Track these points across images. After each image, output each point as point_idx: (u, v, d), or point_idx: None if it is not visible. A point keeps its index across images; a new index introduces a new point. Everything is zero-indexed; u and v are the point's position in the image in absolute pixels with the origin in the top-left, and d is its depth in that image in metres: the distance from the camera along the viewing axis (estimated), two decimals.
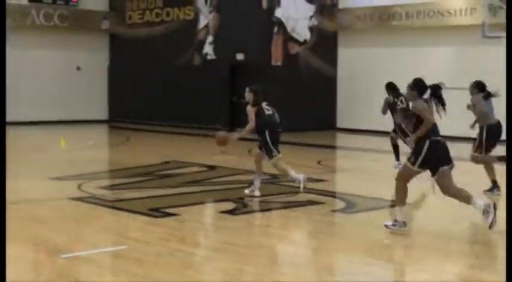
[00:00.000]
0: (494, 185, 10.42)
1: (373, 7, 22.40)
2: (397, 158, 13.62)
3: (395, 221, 7.82)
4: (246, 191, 10.40)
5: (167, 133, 21.81)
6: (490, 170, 10.47)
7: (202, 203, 10.17)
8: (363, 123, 22.64)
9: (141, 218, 8.60)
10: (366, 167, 14.23)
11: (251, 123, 10.17)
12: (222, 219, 8.79)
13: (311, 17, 23.01)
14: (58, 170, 12.98)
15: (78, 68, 26.53)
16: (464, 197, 7.70)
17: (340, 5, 23.45)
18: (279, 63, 22.66)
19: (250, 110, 10.20)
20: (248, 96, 10.26)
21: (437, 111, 7.83)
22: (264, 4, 22.49)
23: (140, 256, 6.75)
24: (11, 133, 22.72)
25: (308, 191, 10.45)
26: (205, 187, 11.35)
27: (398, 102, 13.17)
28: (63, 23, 25.57)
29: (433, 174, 7.65)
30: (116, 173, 13.16)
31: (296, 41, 22.96)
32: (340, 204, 10.08)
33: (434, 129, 7.63)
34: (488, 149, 10.39)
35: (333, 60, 23.84)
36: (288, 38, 22.67)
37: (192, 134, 22.04)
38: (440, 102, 7.80)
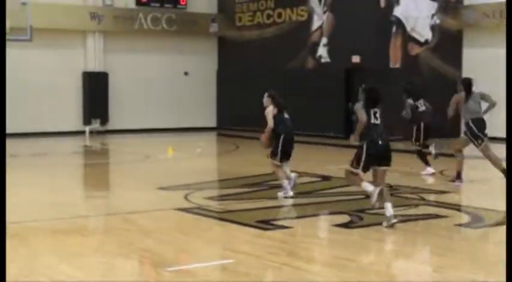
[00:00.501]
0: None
1: (502, 3, 21.71)
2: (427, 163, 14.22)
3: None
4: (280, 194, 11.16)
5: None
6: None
7: (314, 215, 10.16)
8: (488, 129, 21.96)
9: (249, 231, 8.69)
10: (494, 177, 13.76)
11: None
12: (336, 233, 8.74)
13: (433, 15, 22.54)
14: (164, 179, 13.32)
15: (186, 73, 27.19)
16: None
17: (466, 1, 22.87)
18: (398, 66, 22.34)
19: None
20: (265, 100, 11.53)
21: None
22: (382, 2, 22.27)
23: (248, 270, 6.82)
24: (116, 142, 23.61)
25: (429, 203, 10.27)
26: (318, 198, 11.35)
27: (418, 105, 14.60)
28: (170, 27, 26.30)
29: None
30: (224, 183, 13.38)
31: (416, 41, 22.54)
32: (464, 218, 9.81)
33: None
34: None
35: (457, 62, 23.22)
36: (408, 39, 22.32)
37: (305, 142, 22.04)
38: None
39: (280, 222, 9.20)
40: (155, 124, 26.39)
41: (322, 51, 24.10)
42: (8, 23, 20.38)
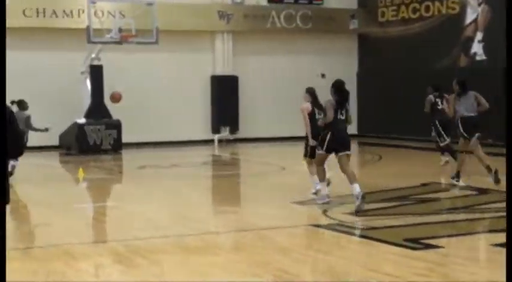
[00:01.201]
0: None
1: None
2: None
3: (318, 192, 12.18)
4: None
5: (426, 150, 21.57)
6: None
7: (470, 233, 9.92)
8: None
9: (395, 250, 8.60)
10: None
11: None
12: (495, 253, 8.49)
13: None
14: (301, 193, 13.38)
15: (322, 76, 27.22)
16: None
17: None
18: None
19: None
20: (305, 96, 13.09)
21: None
22: None
23: None
24: (247, 152, 23.96)
25: None
26: (474, 214, 11.08)
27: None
28: (306, 25, 26.46)
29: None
30: (367, 197, 13.26)
31: None
32: None
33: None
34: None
35: None
36: None
37: (459, 151, 21.60)
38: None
39: (431, 241, 9.03)
40: (290, 132, 26.54)
41: (476, 47, 23.52)
42: (133, 25, 21.22)
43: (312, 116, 12.79)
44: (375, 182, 15.14)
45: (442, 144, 17.24)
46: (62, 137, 23.46)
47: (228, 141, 25.94)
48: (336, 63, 27.27)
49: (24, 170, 19.13)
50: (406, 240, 9.11)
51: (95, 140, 22.52)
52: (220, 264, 8.16)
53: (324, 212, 11.23)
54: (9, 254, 8.40)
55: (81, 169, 17.04)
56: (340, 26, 26.95)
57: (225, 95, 25.78)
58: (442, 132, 17.15)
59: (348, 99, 12.08)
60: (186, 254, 8.64)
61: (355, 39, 27.73)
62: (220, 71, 25.96)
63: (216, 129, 25.99)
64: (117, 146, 22.84)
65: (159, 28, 22.11)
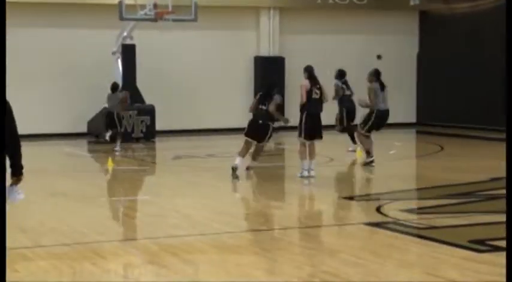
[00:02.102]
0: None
1: None
2: None
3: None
4: None
5: (494, 140, 21.34)
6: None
7: None
8: None
9: (458, 252, 8.52)
10: None
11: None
12: None
13: None
14: (351, 187, 13.35)
15: (378, 57, 27.08)
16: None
17: None
18: None
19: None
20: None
21: None
22: None
23: None
24: (292, 141, 23.87)
25: None
26: None
27: None
28: (361, 1, 26.29)
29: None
30: (426, 192, 13.20)
31: None
32: None
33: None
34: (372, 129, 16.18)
35: None
36: None
37: None
38: None
39: (499, 243, 8.92)
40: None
41: None
42: (170, 1, 21.21)
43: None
44: (435, 175, 15.05)
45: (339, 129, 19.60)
46: (91, 123, 23.65)
47: (273, 129, 25.86)
48: (394, 43, 27.08)
49: (49, 159, 19.39)
50: (471, 241, 9.03)
51: (125, 127, 22.64)
52: (261, 265, 8.17)
53: (378, 208, 11.17)
54: (34, 251, 8.56)
55: (110, 159, 17.16)
56: (399, 1, 26.70)
57: (269, 78, 25.72)
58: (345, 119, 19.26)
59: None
60: (224, 254, 8.67)
61: (416, 17, 27.49)
62: (265, 51, 25.93)
63: None
64: (150, 134, 22.96)
65: (197, 4, 22.09)
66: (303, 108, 14.58)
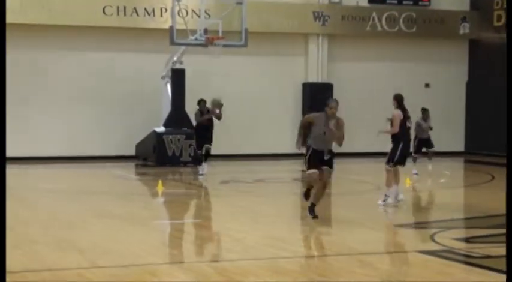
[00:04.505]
0: None
1: None
2: None
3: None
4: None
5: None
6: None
7: None
8: None
9: (501, 277, 8.48)
10: None
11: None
12: None
13: None
14: (403, 215, 13.34)
15: (427, 85, 27.06)
16: None
17: None
18: None
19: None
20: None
21: None
22: None
23: None
24: (343, 168, 23.87)
25: None
26: None
27: None
28: (410, 29, 26.35)
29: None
30: (478, 221, 13.14)
31: None
32: None
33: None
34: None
35: None
36: None
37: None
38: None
39: None
40: (388, 147, 26.39)
41: None
42: (221, 26, 21.39)
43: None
44: (487, 204, 14.99)
45: None
46: (139, 146, 23.89)
47: None
48: (443, 71, 27.05)
49: (99, 181, 19.61)
50: None
51: (174, 150, 22.84)
52: None
53: (432, 236, 11.16)
54: (92, 272, 8.68)
55: (160, 182, 17.31)
56: (449, 30, 26.73)
57: (318, 105, 25.69)
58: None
59: None
60: (280, 278, 8.69)
61: (465, 45, 27.45)
62: (314, 78, 26.05)
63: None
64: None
65: (248, 29, 22.26)
66: (398, 137, 14.50)
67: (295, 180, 21.20)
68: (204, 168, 19.86)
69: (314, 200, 12.90)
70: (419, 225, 12.30)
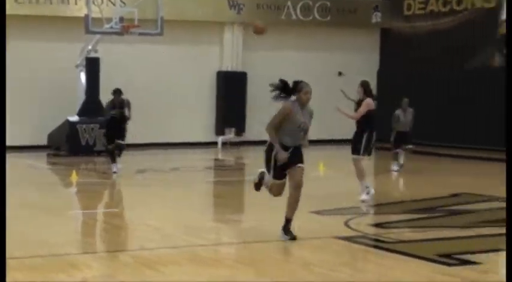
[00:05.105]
0: None
1: None
2: None
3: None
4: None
5: (456, 157, 21.75)
6: None
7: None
8: None
9: (428, 266, 8.70)
10: None
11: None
12: None
13: None
14: (319, 202, 13.48)
15: (340, 74, 27.36)
16: None
17: None
18: None
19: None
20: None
21: None
22: None
23: None
24: (254, 155, 24.03)
25: None
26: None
27: None
28: (324, 17, 26.59)
29: None
30: (392, 207, 13.41)
31: None
32: None
33: None
34: None
35: None
36: None
37: (489, 159, 21.73)
38: None
39: (466, 257, 9.15)
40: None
41: None
42: (136, 15, 21.27)
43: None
44: (400, 190, 15.30)
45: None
46: (52, 135, 23.57)
47: (233, 144, 26.05)
48: (356, 60, 27.39)
49: (11, 172, 19.31)
50: (439, 255, 9.23)
51: (87, 140, 22.64)
52: (237, 278, 8.26)
53: (346, 222, 11.35)
54: (8, 263, 8.56)
55: (74, 172, 17.16)
56: (361, 19, 27.07)
57: (231, 93, 25.90)
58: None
59: None
60: (200, 267, 8.73)
61: (377, 34, 27.86)
62: (228, 66, 26.09)
63: (220, 131, 26.10)
64: None
65: (163, 18, 22.18)
66: (362, 126, 13.69)
67: (209, 169, 21.28)
68: (117, 165, 17.97)
69: (288, 212, 10.27)
70: (334, 211, 12.47)
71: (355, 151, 13.65)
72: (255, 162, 22.63)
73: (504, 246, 10.10)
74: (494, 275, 8.58)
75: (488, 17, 24.26)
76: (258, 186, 10.68)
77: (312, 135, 27.07)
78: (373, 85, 27.39)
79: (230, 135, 26.17)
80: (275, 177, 10.18)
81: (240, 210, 13.76)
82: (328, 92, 26.96)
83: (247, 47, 26.20)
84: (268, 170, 10.23)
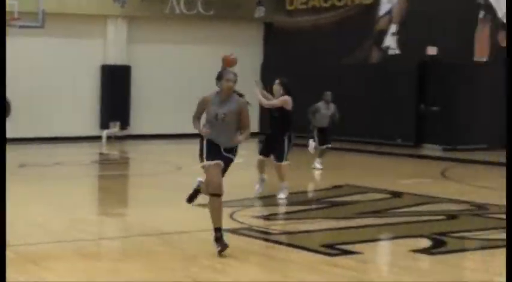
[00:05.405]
0: None
1: None
2: None
3: None
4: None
5: (337, 150, 22.11)
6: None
7: (388, 238, 10.34)
8: None
9: (312, 256, 8.86)
10: None
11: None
12: (416, 260, 8.89)
13: None
14: (201, 194, 13.55)
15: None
16: None
17: None
18: (485, 59, 22.35)
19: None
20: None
21: None
22: None
23: None
24: (139, 149, 23.98)
25: None
26: (390, 219, 11.52)
27: None
28: (208, 11, 26.60)
29: None
30: (276, 200, 13.55)
31: None
32: None
33: None
34: None
35: None
36: (499, 26, 22.31)
37: (367, 151, 22.19)
38: None
39: (348, 247, 9.35)
40: (187, 129, 26.58)
41: (390, 41, 24.19)
42: (17, 7, 20.84)
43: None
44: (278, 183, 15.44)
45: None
46: None
47: (118, 137, 25.85)
48: (240, 54, 27.18)
49: None
50: (323, 246, 9.41)
51: None
52: (122, 271, 8.23)
53: (231, 215, 11.42)
54: None
55: None
56: (245, 13, 27.17)
57: (116, 87, 25.68)
58: None
59: None
60: (84, 260, 8.66)
61: (261, 29, 28.05)
62: (112, 60, 25.84)
63: (104, 125, 25.83)
64: None
65: (45, 11, 21.82)
66: (283, 127, 13.30)
67: (93, 163, 21.07)
68: None
69: (214, 220, 9.17)
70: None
71: (279, 159, 13.21)
72: (139, 156, 22.63)
73: (383, 236, 10.48)
74: (372, 264, 8.80)
75: (366, 13, 24.74)
76: (192, 197, 9.99)
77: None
78: (257, 78, 27.84)
79: (115, 129, 25.93)
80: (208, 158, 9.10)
81: (124, 204, 13.68)
82: (213, 85, 27.04)
83: (131, 41, 26.00)
84: (201, 158, 9.27)
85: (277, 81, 13.59)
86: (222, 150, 9.11)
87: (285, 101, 13.19)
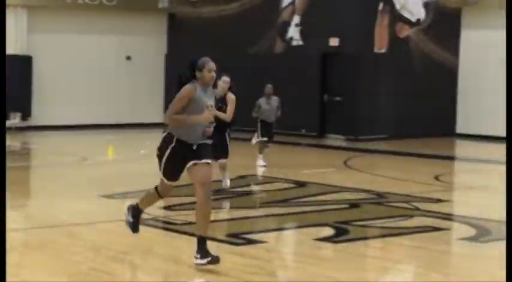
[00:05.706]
0: None
1: None
2: None
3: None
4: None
5: (241, 140, 22.18)
6: None
7: (291, 227, 10.46)
8: (490, 128, 22.55)
9: (217, 246, 8.89)
10: (495, 183, 14.21)
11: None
12: (319, 249, 9.02)
13: None
14: (108, 185, 13.47)
15: (128, 58, 27.26)
16: None
17: None
18: (384, 50, 22.76)
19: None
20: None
21: None
22: None
23: None
24: (41, 140, 23.62)
25: (425, 213, 10.66)
26: (294, 208, 11.63)
27: None
28: (110, 1, 26.36)
29: None
30: (180, 190, 13.49)
31: (407, 21, 23.02)
32: (469, 231, 10.16)
33: None
34: None
35: (454, 46, 23.76)
36: (397, 18, 22.76)
37: (273, 142, 22.32)
38: None
39: (252, 236, 9.43)
40: (90, 119, 26.45)
41: (293, 32, 24.40)
42: None
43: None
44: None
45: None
46: None
47: (19, 128, 25.42)
48: (144, 45, 27.38)
49: None
50: (227, 235, 9.46)
51: None
52: (27, 263, 8.13)
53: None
54: None
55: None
56: (148, 4, 27.06)
57: (16, 77, 25.20)
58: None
59: None
60: None
61: (165, 19, 27.94)
62: (12, 50, 25.34)
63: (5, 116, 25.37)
64: None
65: None
66: (225, 124, 12.59)
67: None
68: None
69: (198, 229, 8.26)
70: (123, 195, 12.46)
71: (225, 155, 12.89)
72: (42, 148, 22.30)
73: (287, 225, 10.60)
74: (277, 253, 8.90)
75: (269, 4, 24.88)
76: (135, 225, 8.75)
77: (111, 119, 26.99)
78: (161, 70, 27.79)
79: (15, 120, 25.50)
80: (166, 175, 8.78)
81: (26, 196, 13.47)
82: (117, 75, 26.91)
83: (32, 30, 25.56)
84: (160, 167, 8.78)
85: (225, 78, 12.85)
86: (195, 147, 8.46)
87: (232, 100, 12.58)
